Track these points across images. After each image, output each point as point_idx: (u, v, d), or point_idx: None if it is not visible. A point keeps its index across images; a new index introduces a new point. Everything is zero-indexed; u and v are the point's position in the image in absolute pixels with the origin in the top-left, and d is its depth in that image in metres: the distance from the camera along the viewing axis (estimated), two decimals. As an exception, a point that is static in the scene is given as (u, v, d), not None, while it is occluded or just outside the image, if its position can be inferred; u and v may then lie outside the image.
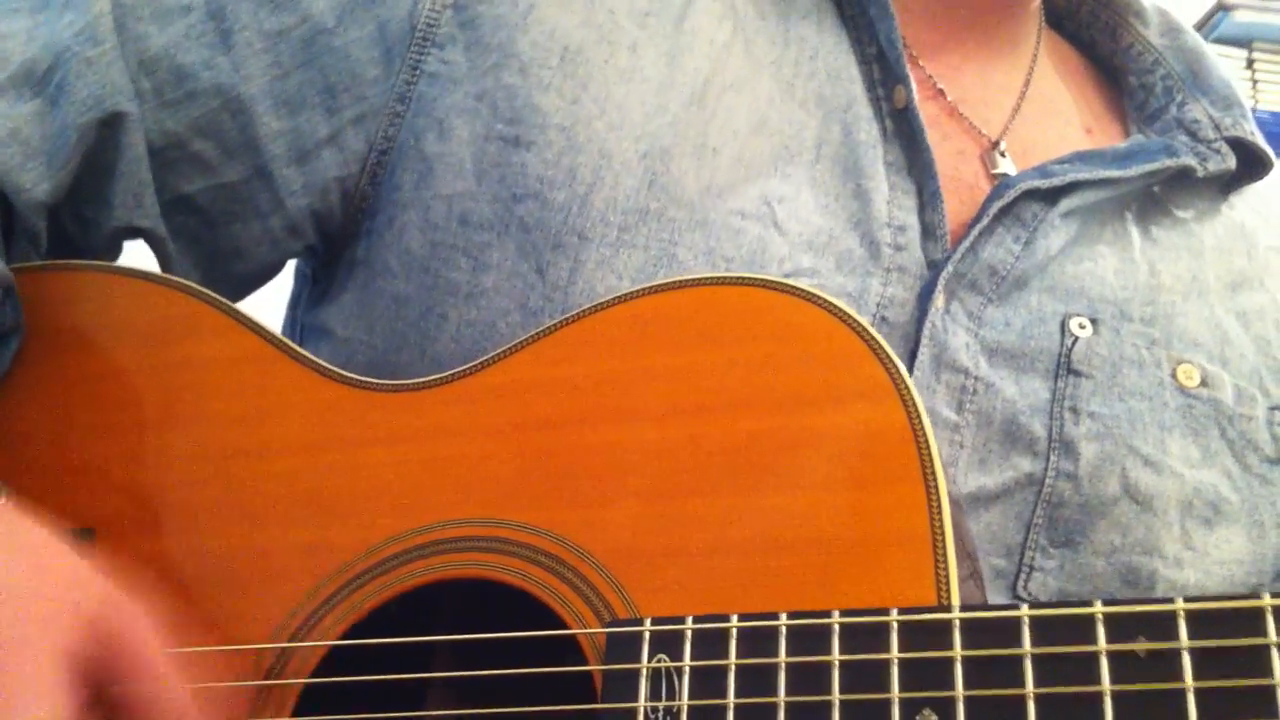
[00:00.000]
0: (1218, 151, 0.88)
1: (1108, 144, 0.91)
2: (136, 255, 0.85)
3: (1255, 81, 2.17)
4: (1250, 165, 0.90)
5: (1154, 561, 0.77)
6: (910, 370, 0.75)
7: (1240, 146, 0.89)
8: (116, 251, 0.85)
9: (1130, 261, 0.85)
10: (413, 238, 0.80)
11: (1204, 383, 0.82)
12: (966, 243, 0.80)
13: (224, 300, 0.78)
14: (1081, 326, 0.81)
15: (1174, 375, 0.81)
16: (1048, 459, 0.77)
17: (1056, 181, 0.82)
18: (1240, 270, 0.90)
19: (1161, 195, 0.89)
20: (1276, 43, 2.18)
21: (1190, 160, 0.87)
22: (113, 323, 0.78)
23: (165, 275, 0.80)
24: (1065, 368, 0.79)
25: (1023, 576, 0.76)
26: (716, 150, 0.79)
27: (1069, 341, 0.80)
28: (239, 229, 0.84)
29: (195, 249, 0.84)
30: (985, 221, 0.80)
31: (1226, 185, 0.92)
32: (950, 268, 0.79)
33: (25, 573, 0.59)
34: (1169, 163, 0.86)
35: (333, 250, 0.86)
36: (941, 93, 0.88)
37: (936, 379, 0.77)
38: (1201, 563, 0.78)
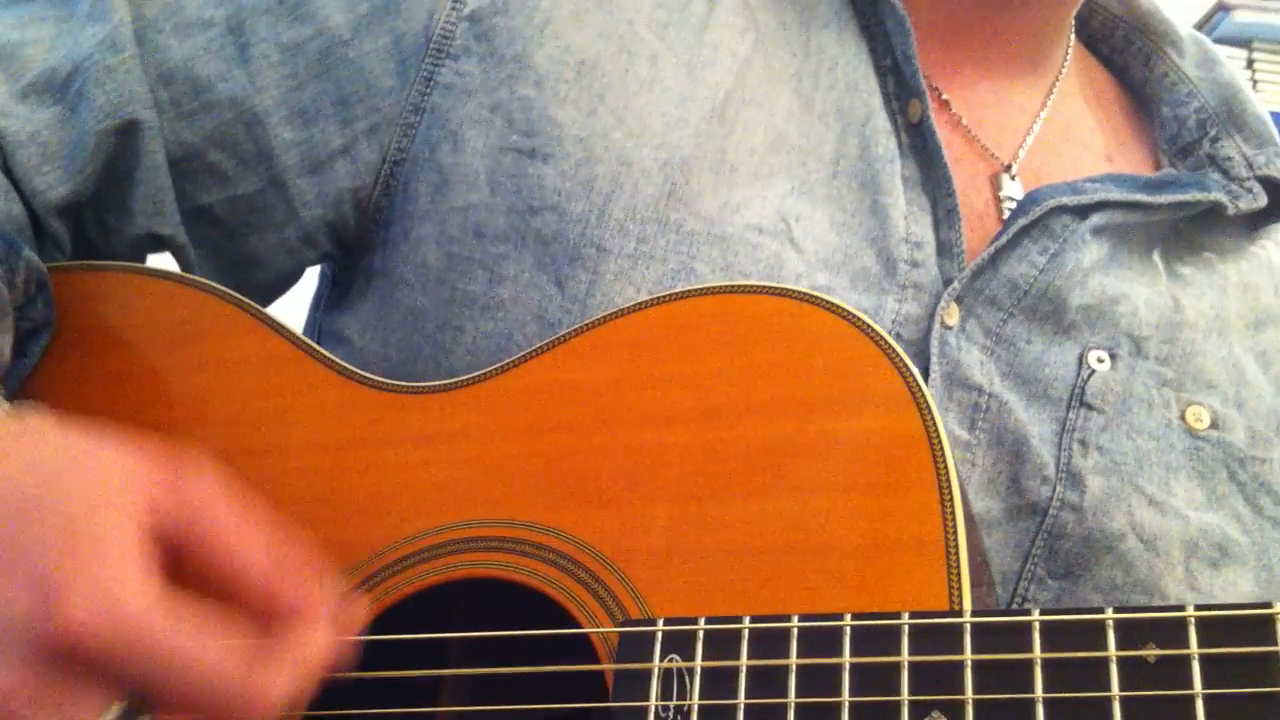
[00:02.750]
0: (1250, 190, 0.87)
1: (1129, 173, 0.90)
2: (160, 259, 0.85)
3: (1255, 81, 2.16)
4: None
5: (1153, 602, 0.75)
6: None
7: (1272, 185, 0.88)
8: (140, 261, 0.85)
9: (1158, 294, 0.85)
10: (429, 250, 0.80)
11: (1214, 425, 0.81)
12: (983, 258, 0.79)
13: (249, 301, 0.79)
14: (1100, 360, 0.80)
15: (1182, 417, 0.80)
16: (1055, 488, 0.76)
17: (1085, 199, 0.81)
18: (1266, 307, 0.89)
19: (1187, 232, 0.88)
20: (1276, 43, 2.17)
21: (1221, 197, 0.86)
22: (140, 323, 0.79)
23: (192, 276, 0.81)
24: (1079, 400, 0.79)
25: (1015, 606, 0.75)
26: (734, 167, 0.79)
27: (1085, 374, 0.79)
28: (256, 239, 0.84)
29: (216, 258, 0.85)
30: (1006, 238, 0.80)
31: (1255, 223, 0.91)
32: (959, 284, 0.78)
33: (86, 452, 0.59)
34: (1200, 196, 0.85)
35: (350, 258, 0.86)
36: (955, 115, 0.88)
37: (949, 397, 0.77)
38: None
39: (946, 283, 0.79)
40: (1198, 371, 0.83)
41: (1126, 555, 0.76)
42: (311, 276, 0.93)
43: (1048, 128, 0.90)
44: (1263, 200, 0.88)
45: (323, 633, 0.58)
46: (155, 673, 0.54)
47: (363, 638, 0.67)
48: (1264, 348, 0.88)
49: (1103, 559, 0.76)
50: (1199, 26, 2.16)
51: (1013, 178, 0.86)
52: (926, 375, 0.76)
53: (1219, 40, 2.13)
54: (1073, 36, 0.94)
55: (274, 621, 0.57)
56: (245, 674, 0.54)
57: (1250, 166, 0.88)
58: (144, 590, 0.54)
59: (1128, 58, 0.98)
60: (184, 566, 0.58)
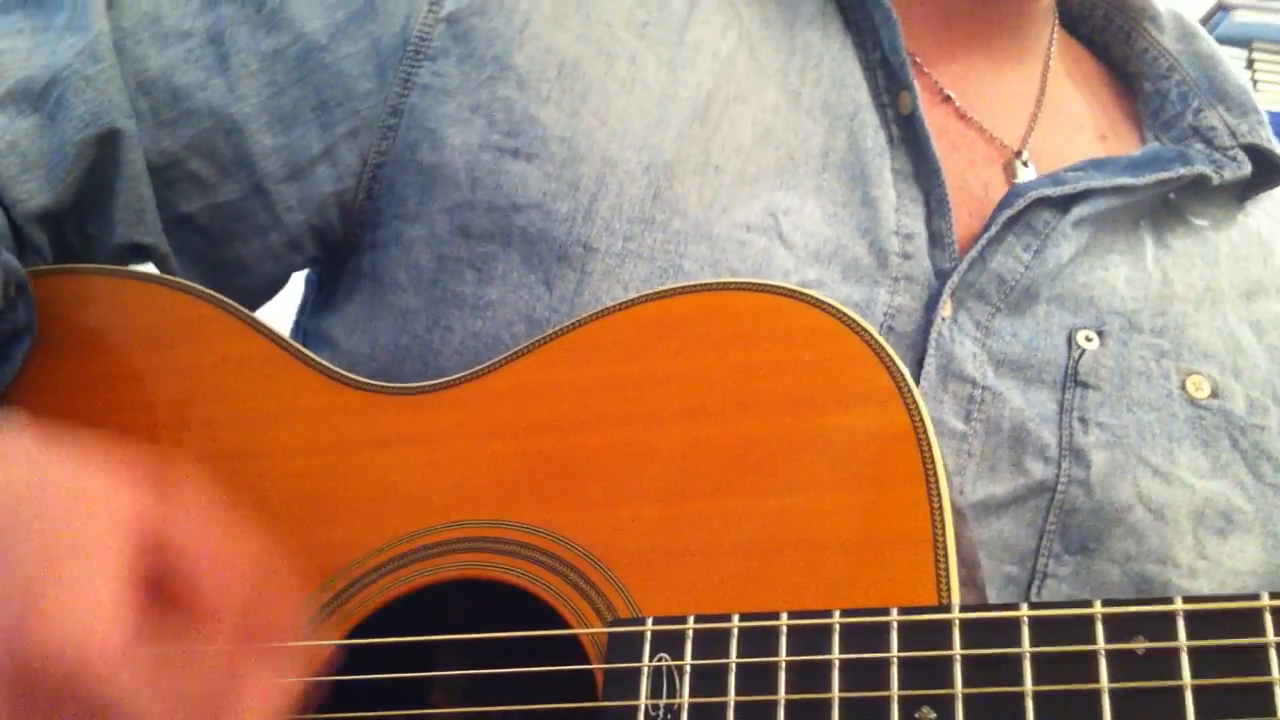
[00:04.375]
0: (1234, 159, 0.87)
1: (1123, 151, 0.90)
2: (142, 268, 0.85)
3: (1255, 81, 2.16)
4: (1267, 172, 0.90)
5: (1168, 571, 0.76)
6: (917, 380, 0.75)
7: (1257, 153, 0.88)
8: (122, 268, 0.85)
9: (1143, 270, 0.85)
10: (421, 252, 0.80)
11: (1214, 394, 0.81)
12: (974, 252, 0.79)
13: (233, 303, 0.78)
14: (1088, 339, 0.80)
15: (1183, 387, 0.81)
16: (1059, 465, 0.76)
17: (1068, 189, 0.81)
18: (1256, 278, 0.89)
19: (1177, 203, 0.88)
20: (1276, 43, 2.17)
21: (1206, 168, 0.86)
22: (123, 325, 0.79)
23: (174, 279, 0.81)
24: (1072, 380, 0.79)
25: (1036, 584, 0.75)
26: (720, 168, 0.79)
27: (1075, 354, 0.80)
28: (240, 246, 0.84)
29: (200, 265, 0.85)
30: (993, 230, 0.80)
31: (1243, 192, 0.91)
32: (956, 277, 0.78)
33: (71, 464, 0.58)
34: (1183, 171, 0.85)
35: (336, 260, 0.86)
36: (952, 102, 0.87)
37: (944, 389, 0.77)
38: (1216, 573, 0.77)
39: (938, 274, 0.79)
40: (1193, 342, 0.84)
41: (1137, 526, 0.76)
42: (297, 281, 0.93)
43: (1046, 112, 0.90)
44: (1247, 169, 0.88)
45: (283, 682, 0.58)
46: (117, 712, 0.53)
47: (351, 641, 0.67)
48: (1258, 317, 0.88)
49: (1114, 530, 0.76)
50: (1199, 27, 2.15)
51: (1025, 164, 0.86)
52: (921, 367, 0.76)
53: (1219, 40, 2.13)
54: (1055, 20, 0.95)
55: (241, 656, 0.57)
56: None
57: (1234, 135, 0.88)
58: (118, 619, 0.54)
59: (1108, 37, 0.98)
60: (167, 580, 0.57)
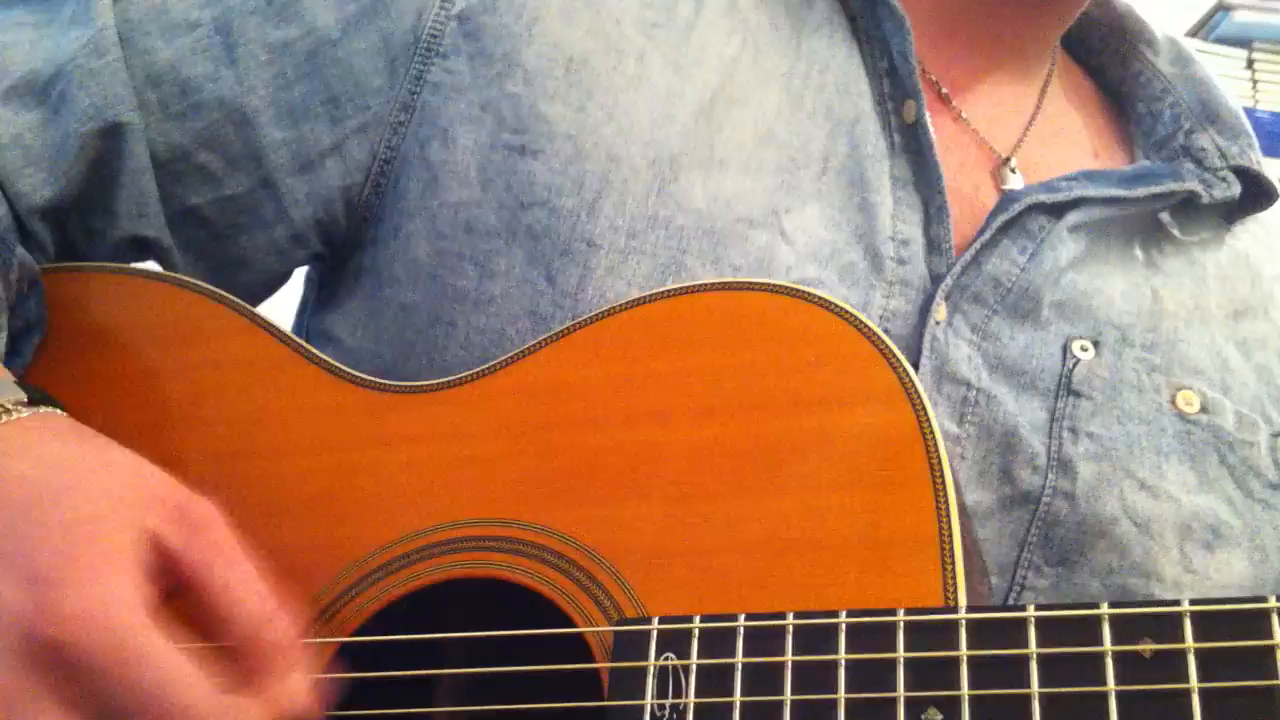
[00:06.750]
0: (1223, 179, 0.88)
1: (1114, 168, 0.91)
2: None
3: (1255, 81, 2.16)
4: (1255, 195, 0.91)
5: (1151, 584, 0.76)
6: None
7: (1246, 176, 0.89)
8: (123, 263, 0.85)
9: (1135, 286, 0.85)
10: (419, 247, 0.80)
11: (1204, 409, 0.82)
12: (968, 255, 0.80)
13: (240, 301, 0.78)
14: (1084, 349, 0.81)
15: (1173, 401, 0.81)
16: (1046, 476, 0.77)
17: (1062, 196, 0.82)
18: (1243, 299, 0.90)
19: (1166, 222, 0.89)
20: (1276, 43, 2.18)
21: (1196, 186, 0.87)
22: (129, 323, 0.79)
23: (181, 277, 0.81)
24: (1065, 388, 0.79)
25: (1014, 595, 0.76)
26: (723, 162, 0.80)
27: (1070, 363, 0.80)
28: (245, 240, 0.84)
29: (203, 260, 0.85)
30: (988, 235, 0.81)
31: (1231, 214, 0.92)
32: (950, 280, 0.79)
33: (99, 459, 0.60)
34: (1174, 186, 0.86)
35: (339, 257, 0.86)
36: (950, 106, 0.88)
37: (938, 391, 0.77)
38: (1201, 586, 0.78)
39: (934, 279, 0.80)
40: (1184, 358, 0.84)
41: (1121, 539, 0.76)
42: (297, 282, 0.93)
43: (1040, 126, 0.91)
44: (1236, 189, 0.89)
45: (301, 683, 0.58)
46: (130, 690, 0.53)
47: (357, 639, 0.67)
48: (1244, 337, 0.89)
49: (1097, 544, 0.76)
50: (1199, 26, 2.16)
51: (1013, 170, 0.87)
52: (917, 369, 0.76)
53: (1219, 40, 2.14)
54: (1058, 42, 0.96)
55: (254, 665, 0.58)
56: (220, 708, 0.55)
57: (1224, 157, 0.89)
58: (133, 603, 0.55)
59: (1104, 58, 0.99)
60: (176, 593, 0.58)
